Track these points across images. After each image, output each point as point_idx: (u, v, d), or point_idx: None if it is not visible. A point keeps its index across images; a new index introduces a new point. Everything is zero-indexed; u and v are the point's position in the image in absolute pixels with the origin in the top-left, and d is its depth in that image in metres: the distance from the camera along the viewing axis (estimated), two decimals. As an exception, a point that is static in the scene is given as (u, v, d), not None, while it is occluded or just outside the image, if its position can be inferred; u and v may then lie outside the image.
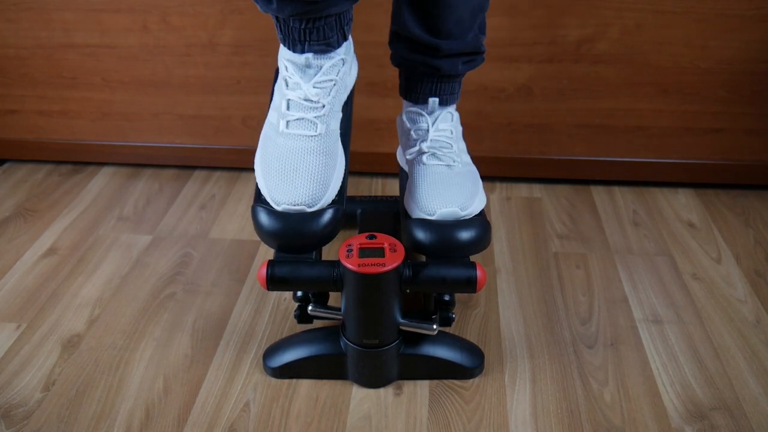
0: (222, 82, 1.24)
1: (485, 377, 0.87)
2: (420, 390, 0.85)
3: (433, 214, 0.84)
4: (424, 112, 0.91)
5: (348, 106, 0.87)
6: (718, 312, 0.97)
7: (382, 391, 0.85)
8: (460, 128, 0.95)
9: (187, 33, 1.20)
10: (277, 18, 0.78)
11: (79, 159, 1.36)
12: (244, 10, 1.17)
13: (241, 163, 1.32)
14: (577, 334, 0.94)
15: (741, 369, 0.88)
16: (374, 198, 1.12)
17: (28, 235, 1.16)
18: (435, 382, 0.86)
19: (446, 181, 0.88)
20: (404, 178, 0.96)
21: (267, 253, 1.11)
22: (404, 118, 0.94)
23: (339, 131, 0.85)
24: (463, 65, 0.89)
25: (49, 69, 1.26)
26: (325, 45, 0.79)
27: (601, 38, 1.15)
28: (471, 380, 0.86)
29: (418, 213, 0.86)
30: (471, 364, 0.86)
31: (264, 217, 0.79)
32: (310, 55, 0.78)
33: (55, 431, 0.80)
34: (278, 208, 0.79)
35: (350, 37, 0.83)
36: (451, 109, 0.93)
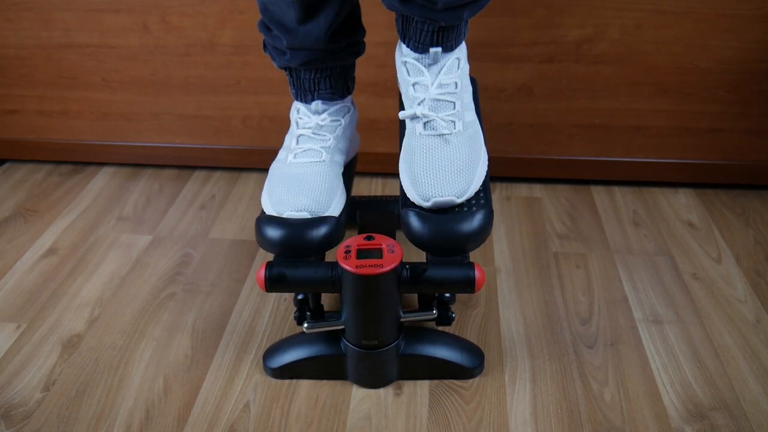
0: (222, 82, 1.24)
1: (485, 377, 0.87)
2: (420, 390, 0.85)
3: (428, 201, 0.79)
4: (424, 65, 0.81)
5: (349, 170, 0.97)
6: (718, 312, 0.97)
7: (382, 391, 0.85)
8: (466, 74, 0.85)
9: (187, 33, 1.20)
10: (290, 73, 0.89)
11: (79, 159, 1.36)
12: (244, 10, 1.17)
13: (241, 163, 1.32)
14: (577, 334, 0.94)
15: (741, 369, 0.88)
16: (374, 198, 1.12)
17: (28, 235, 1.16)
18: (435, 382, 0.86)
19: (442, 159, 0.80)
20: (403, 128, 0.89)
21: (267, 253, 1.11)
22: (404, 64, 0.83)
23: (342, 168, 0.92)
24: (469, 12, 0.77)
25: (49, 69, 1.26)
26: (331, 94, 0.89)
27: (601, 38, 1.14)
28: (471, 380, 0.86)
29: (413, 194, 0.81)
30: (471, 364, 0.86)
31: (266, 225, 0.81)
32: (319, 102, 0.89)
33: (55, 431, 0.80)
34: (282, 215, 0.82)
35: (352, 99, 0.95)
36: (458, 52, 0.82)
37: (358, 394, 0.85)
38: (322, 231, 0.81)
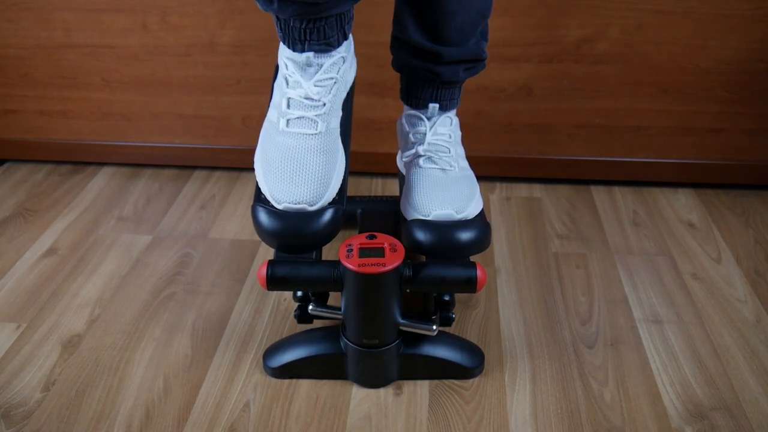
0: (222, 82, 1.24)
1: (485, 377, 0.87)
2: (420, 390, 0.85)
3: (428, 216, 0.84)
4: (423, 117, 0.92)
5: (348, 104, 0.87)
6: (718, 312, 0.97)
7: (382, 391, 0.85)
8: (458, 133, 0.95)
9: (187, 33, 1.20)
10: (277, 17, 0.78)
11: (79, 159, 1.36)
12: (244, 10, 1.17)
13: (241, 163, 1.32)
14: (577, 334, 0.94)
15: (741, 369, 0.88)
16: (374, 198, 1.12)
17: (28, 235, 1.16)
18: (435, 382, 0.86)
19: (442, 184, 0.88)
20: (403, 181, 0.96)
21: (267, 253, 1.11)
22: (404, 121, 0.94)
23: (339, 129, 0.85)
24: (464, 72, 0.89)
25: (49, 69, 1.26)
26: (325, 45, 0.79)
27: (601, 38, 1.15)
28: (471, 380, 0.86)
29: (413, 215, 0.86)
30: (471, 364, 0.86)
31: (264, 217, 0.79)
32: (310, 54, 0.79)
33: (55, 431, 0.80)
34: (279, 207, 0.79)
35: (351, 36, 0.83)
36: (451, 114, 0.93)
37: (358, 394, 0.85)
38: (321, 224, 0.79)
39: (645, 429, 0.80)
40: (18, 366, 0.89)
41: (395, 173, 1.28)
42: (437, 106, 0.91)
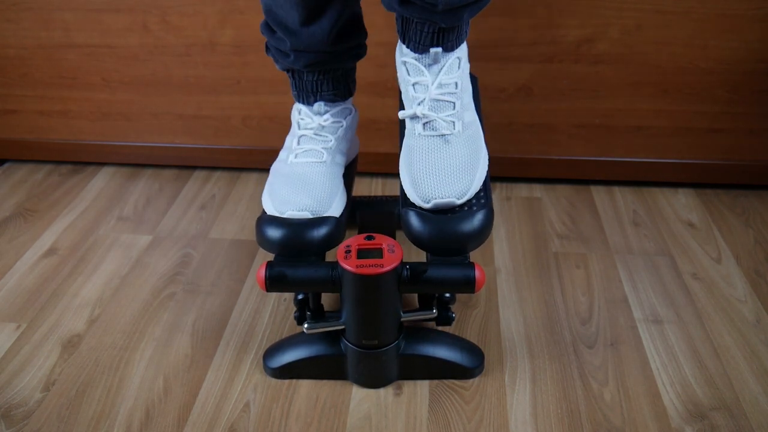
0: (222, 82, 1.24)
1: (485, 377, 0.87)
2: (420, 390, 0.85)
3: (429, 202, 0.79)
4: (424, 65, 0.80)
5: (350, 172, 0.96)
6: (718, 312, 0.97)
7: (382, 391, 0.85)
8: (467, 75, 0.84)
9: (187, 33, 1.20)
10: (292, 75, 0.90)
11: (79, 159, 1.36)
12: (244, 10, 1.17)
13: (241, 163, 1.32)
14: (577, 334, 0.94)
15: (741, 369, 0.88)
16: (374, 198, 1.12)
17: (28, 235, 1.16)
18: (435, 382, 0.86)
19: (442, 160, 0.80)
20: (403, 134, 0.88)
21: (267, 253, 1.10)
22: (404, 64, 0.82)
23: (343, 169, 0.92)
24: (468, 13, 0.77)
25: (49, 69, 1.26)
26: (333, 95, 0.90)
27: (601, 38, 1.14)
28: (471, 380, 0.86)
29: (413, 195, 0.81)
30: (471, 364, 0.86)
31: (266, 225, 0.81)
32: (321, 103, 0.89)
33: (55, 431, 0.80)
34: (283, 215, 0.82)
35: (352, 104, 0.95)
36: (459, 51, 0.81)
37: (358, 394, 0.85)
38: (323, 231, 0.81)
39: (645, 429, 0.80)
40: (18, 366, 0.89)
41: (395, 173, 1.28)
42: (440, 50, 0.79)
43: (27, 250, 1.12)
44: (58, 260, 1.09)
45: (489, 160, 0.85)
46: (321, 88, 0.89)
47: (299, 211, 0.82)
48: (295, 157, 0.89)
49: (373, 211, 1.08)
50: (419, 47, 0.80)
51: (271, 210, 0.84)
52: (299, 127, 0.91)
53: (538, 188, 1.28)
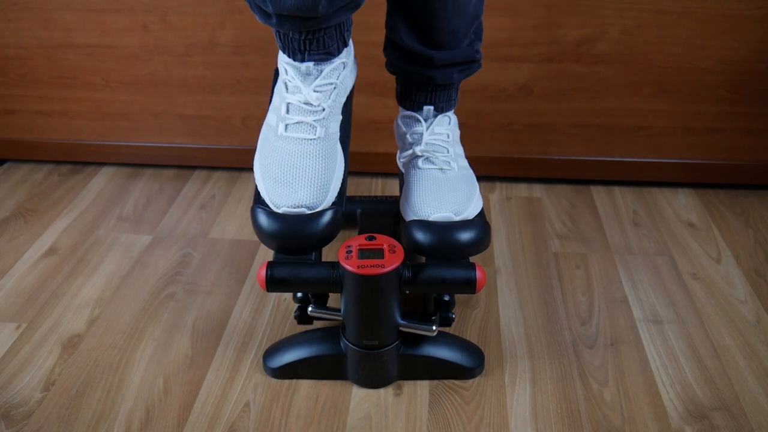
0: (222, 82, 1.24)
1: (485, 377, 0.87)
2: (420, 390, 0.85)
3: (428, 218, 0.84)
4: (419, 117, 0.90)
5: (347, 108, 0.87)
6: (718, 312, 0.97)
7: (382, 391, 0.85)
8: (457, 132, 0.94)
9: (187, 33, 1.20)
10: (276, 30, 0.79)
11: (79, 159, 1.36)
12: (244, 10, 1.17)
13: (241, 163, 1.32)
14: (577, 334, 0.94)
15: (741, 369, 0.88)
16: (374, 198, 1.12)
17: (28, 235, 1.16)
18: (435, 382, 0.86)
19: (440, 185, 0.87)
20: (403, 182, 0.95)
21: (267, 253, 1.11)
22: (400, 122, 0.93)
23: (338, 133, 0.85)
24: (459, 74, 0.88)
25: (49, 69, 1.26)
26: (325, 54, 0.79)
27: (601, 38, 1.15)
28: (471, 380, 0.86)
29: (412, 217, 0.85)
30: (471, 364, 0.86)
31: (264, 219, 0.79)
32: (310, 64, 0.79)
33: (55, 431, 0.80)
34: (278, 211, 0.79)
35: (350, 42, 0.83)
36: (449, 113, 0.92)
37: (358, 394, 0.85)
38: (320, 226, 0.79)
39: (645, 429, 0.80)
40: (18, 366, 0.89)
41: (395, 173, 1.28)
42: (432, 108, 0.90)
43: (27, 250, 1.12)
44: (58, 260, 1.09)
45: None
46: (309, 47, 0.78)
47: (295, 208, 0.79)
48: (285, 129, 0.82)
49: (373, 211, 1.08)
50: (415, 105, 0.90)
51: (266, 198, 0.81)
52: (287, 89, 0.82)
53: (538, 188, 1.28)
